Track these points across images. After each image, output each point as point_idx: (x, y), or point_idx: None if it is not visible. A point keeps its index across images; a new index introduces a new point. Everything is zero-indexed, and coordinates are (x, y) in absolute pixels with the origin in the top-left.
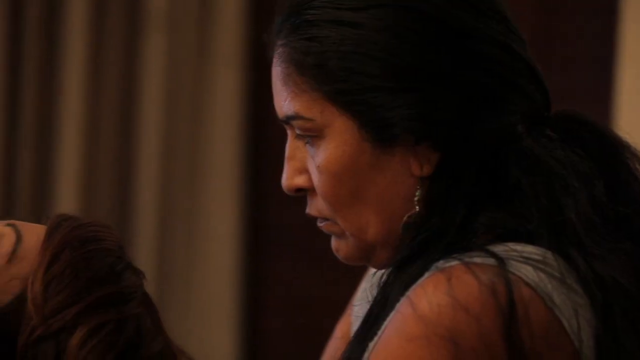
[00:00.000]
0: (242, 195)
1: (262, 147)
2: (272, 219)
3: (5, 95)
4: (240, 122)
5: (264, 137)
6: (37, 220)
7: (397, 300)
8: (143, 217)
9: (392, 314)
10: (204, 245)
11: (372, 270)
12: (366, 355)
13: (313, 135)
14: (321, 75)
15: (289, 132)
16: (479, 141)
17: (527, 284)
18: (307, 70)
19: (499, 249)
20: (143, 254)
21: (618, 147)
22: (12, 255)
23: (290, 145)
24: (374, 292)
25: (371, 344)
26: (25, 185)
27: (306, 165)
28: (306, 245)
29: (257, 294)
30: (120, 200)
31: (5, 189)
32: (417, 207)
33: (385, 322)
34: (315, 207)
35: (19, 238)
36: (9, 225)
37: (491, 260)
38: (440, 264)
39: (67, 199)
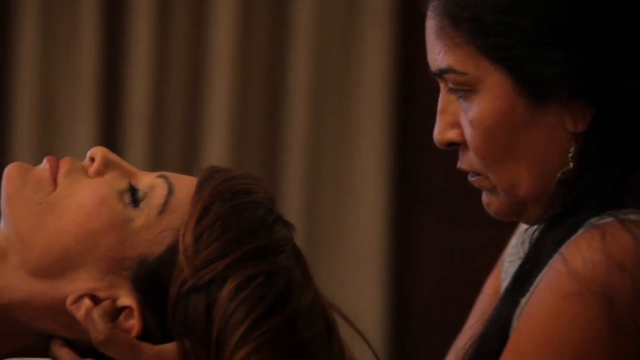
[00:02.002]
0: (390, 149)
1: (412, 107)
2: (420, 179)
3: (156, 46)
4: (390, 75)
5: (413, 96)
6: (188, 172)
7: (550, 256)
8: (292, 170)
9: (544, 271)
10: (352, 198)
11: (523, 226)
12: (518, 311)
13: (466, 90)
14: (476, 29)
15: (441, 85)
16: (635, 97)
17: None
18: (461, 23)
19: None
20: (292, 207)
21: None
22: (164, 207)
23: (443, 99)
24: (526, 249)
25: (523, 300)
26: (176, 137)
27: (458, 120)
28: (455, 200)
29: (405, 248)
30: (270, 153)
31: (156, 140)
32: (570, 164)
33: (538, 279)
34: (467, 161)
35: (170, 190)
36: (160, 177)
37: None
38: (594, 220)
39: (217, 152)
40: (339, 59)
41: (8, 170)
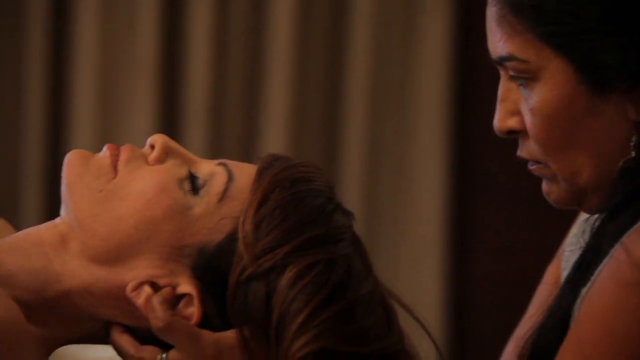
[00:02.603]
0: (449, 140)
1: (470, 92)
2: (478, 165)
3: (215, 35)
4: (449, 65)
5: (472, 82)
6: (248, 159)
7: (611, 246)
8: (351, 159)
9: (605, 260)
10: (411, 188)
11: (584, 215)
12: (579, 301)
13: (527, 77)
14: (537, 17)
15: (502, 73)
16: None
17: None
18: (522, 11)
19: None
20: (351, 196)
21: None
22: (224, 195)
23: (503, 86)
24: (586, 238)
25: (584, 290)
26: (235, 126)
27: (519, 107)
28: (513, 191)
29: (464, 237)
30: (329, 142)
31: (215, 128)
32: (632, 153)
33: (599, 268)
34: (527, 149)
35: (230, 177)
36: (220, 164)
37: None
38: None
39: (277, 139)
40: (398, 49)
41: (69, 157)
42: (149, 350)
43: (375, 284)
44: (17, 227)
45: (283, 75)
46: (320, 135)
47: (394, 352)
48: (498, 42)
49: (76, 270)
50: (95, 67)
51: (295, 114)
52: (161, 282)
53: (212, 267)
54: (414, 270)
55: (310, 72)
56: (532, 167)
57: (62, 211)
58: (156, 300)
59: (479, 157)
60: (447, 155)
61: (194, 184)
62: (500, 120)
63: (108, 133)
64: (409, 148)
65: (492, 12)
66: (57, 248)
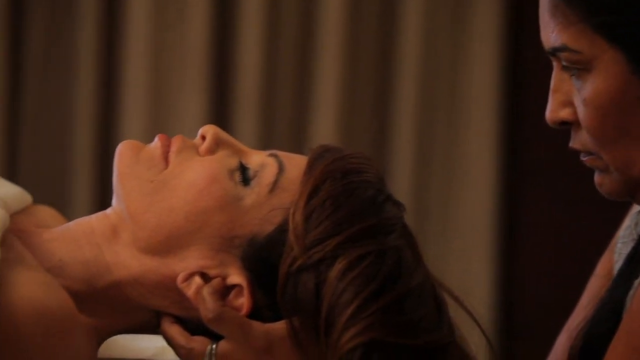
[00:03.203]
0: (501, 131)
1: (521, 84)
2: (530, 157)
3: (266, 24)
4: (500, 57)
5: (523, 74)
6: (299, 150)
7: None
8: (402, 149)
9: None
10: (462, 179)
11: (637, 207)
12: (631, 292)
13: (580, 68)
14: (591, 7)
15: (554, 64)
16: None
17: None
18: (576, 1)
19: None
20: (401, 187)
21: None
22: (274, 186)
23: (556, 77)
24: (639, 230)
25: (636, 282)
26: (286, 116)
27: (571, 98)
28: (565, 184)
29: (515, 230)
30: (380, 133)
31: (266, 119)
32: None
33: None
34: (579, 140)
35: (281, 169)
36: (271, 155)
37: None
38: None
39: (327, 130)
40: (448, 40)
41: (120, 148)
42: (199, 341)
43: (426, 276)
44: (68, 218)
45: (334, 66)
46: (370, 126)
47: (444, 344)
48: (551, 33)
49: (127, 261)
50: (146, 58)
51: (346, 105)
52: (211, 272)
53: (262, 258)
54: (465, 262)
55: (361, 64)
56: (584, 158)
57: (114, 201)
58: (206, 291)
59: (531, 150)
60: (498, 147)
61: (244, 175)
62: (553, 112)
63: (159, 124)
64: (460, 139)
65: (545, 3)
66: (108, 238)
